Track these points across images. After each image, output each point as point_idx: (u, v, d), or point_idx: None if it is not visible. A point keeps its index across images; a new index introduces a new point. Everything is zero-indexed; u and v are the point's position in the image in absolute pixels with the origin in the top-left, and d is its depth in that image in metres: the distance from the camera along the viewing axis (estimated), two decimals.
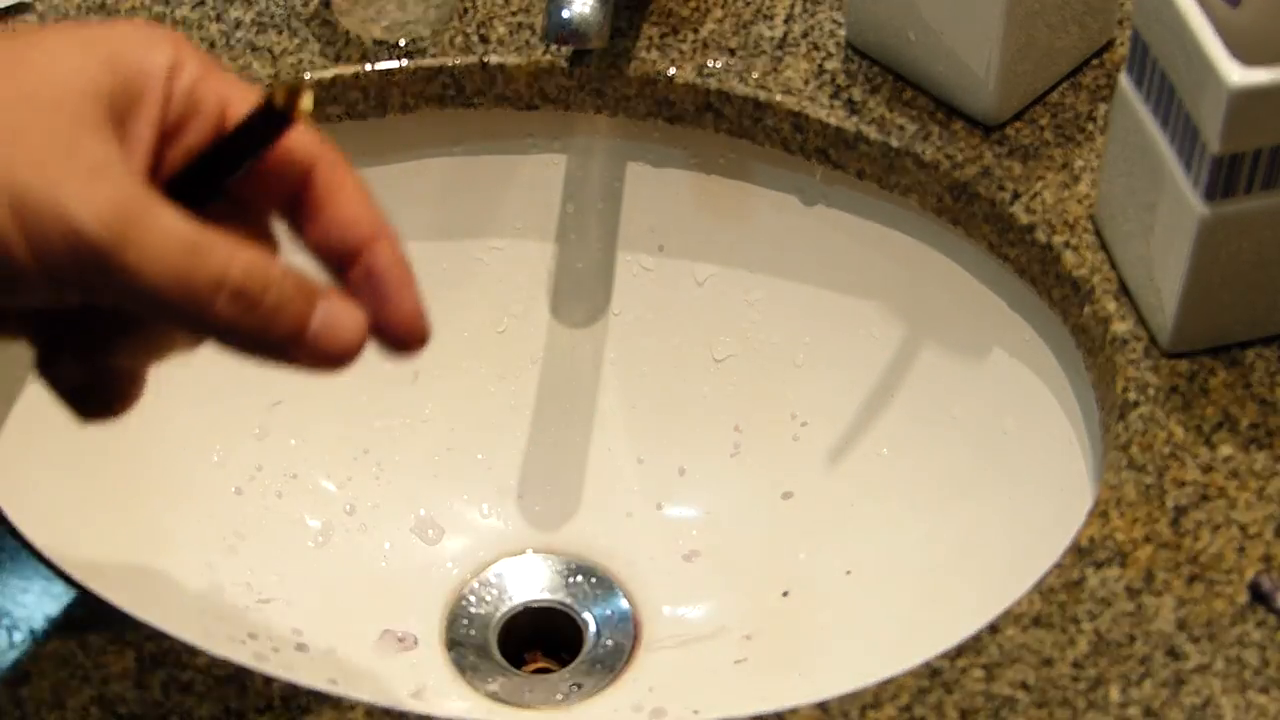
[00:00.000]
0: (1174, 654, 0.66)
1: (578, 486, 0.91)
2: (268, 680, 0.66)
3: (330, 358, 0.53)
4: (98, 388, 0.57)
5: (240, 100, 0.55)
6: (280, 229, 0.57)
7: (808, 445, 0.89)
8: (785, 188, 0.87)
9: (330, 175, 0.55)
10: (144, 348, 0.57)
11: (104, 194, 0.50)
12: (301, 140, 0.55)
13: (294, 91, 0.52)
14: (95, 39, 0.53)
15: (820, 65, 0.85)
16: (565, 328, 0.92)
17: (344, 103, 0.85)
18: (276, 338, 0.53)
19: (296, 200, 0.55)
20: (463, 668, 0.85)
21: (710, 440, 0.90)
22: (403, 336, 0.55)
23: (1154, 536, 0.69)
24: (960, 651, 0.66)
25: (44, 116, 0.51)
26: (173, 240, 0.51)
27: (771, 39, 0.86)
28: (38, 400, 0.81)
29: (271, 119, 0.53)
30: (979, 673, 0.66)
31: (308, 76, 0.84)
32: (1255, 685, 0.65)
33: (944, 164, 0.81)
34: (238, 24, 0.86)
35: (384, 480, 0.90)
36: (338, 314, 0.53)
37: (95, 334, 0.56)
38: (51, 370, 0.56)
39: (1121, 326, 0.76)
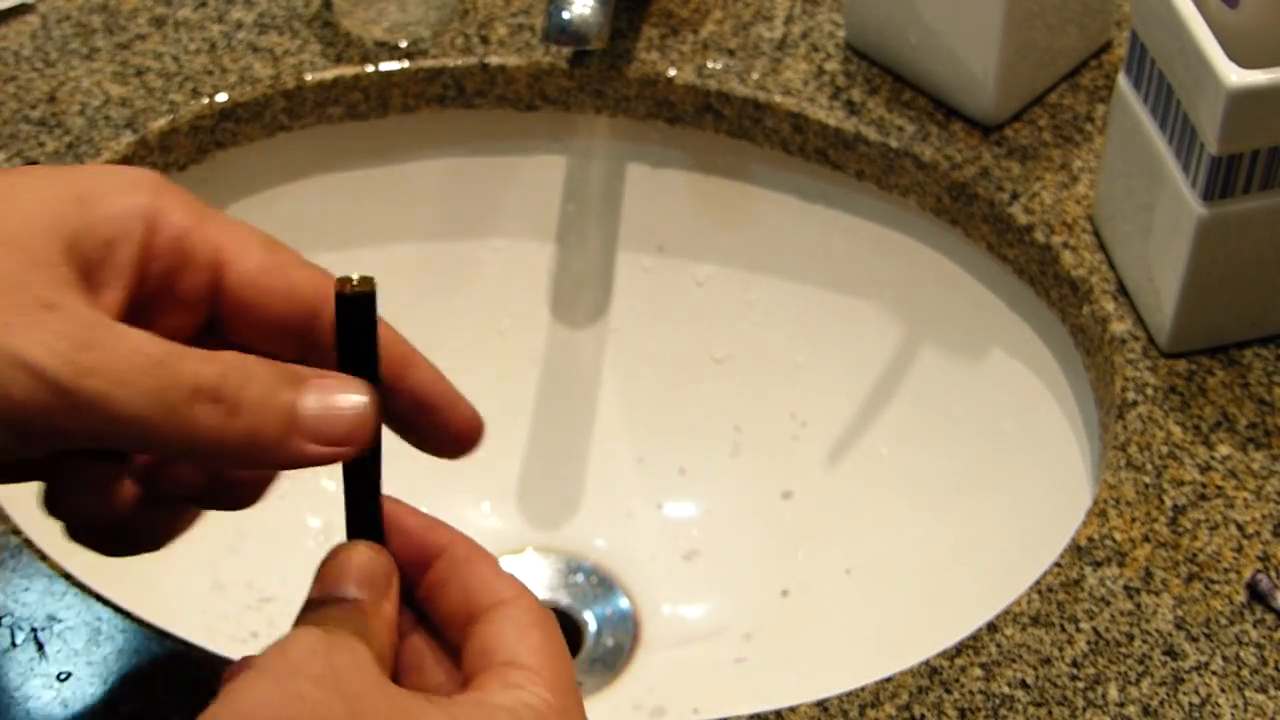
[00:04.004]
0: (1172, 653, 0.66)
1: (578, 486, 0.91)
2: None
3: (337, 439, 0.49)
4: (109, 527, 0.54)
5: (237, 247, 0.51)
6: None
7: (808, 445, 0.89)
8: (785, 188, 0.88)
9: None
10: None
11: (54, 327, 0.46)
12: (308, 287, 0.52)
13: (345, 280, 0.49)
14: (66, 178, 0.50)
15: (820, 66, 0.85)
16: (565, 328, 0.92)
17: (345, 103, 0.85)
18: (271, 436, 0.48)
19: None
20: None
21: (710, 440, 0.90)
22: (462, 433, 0.55)
23: (1152, 536, 0.69)
24: (959, 650, 0.66)
25: None
26: (137, 358, 0.47)
27: (771, 40, 0.86)
28: None
29: (355, 304, 0.49)
30: (978, 672, 0.66)
31: (308, 76, 0.84)
32: (1253, 684, 0.65)
33: (943, 164, 0.81)
34: (239, 25, 0.86)
35: (384, 480, 0.89)
36: (332, 389, 0.49)
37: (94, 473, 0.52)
38: (57, 509, 0.53)
39: (1120, 326, 0.76)
